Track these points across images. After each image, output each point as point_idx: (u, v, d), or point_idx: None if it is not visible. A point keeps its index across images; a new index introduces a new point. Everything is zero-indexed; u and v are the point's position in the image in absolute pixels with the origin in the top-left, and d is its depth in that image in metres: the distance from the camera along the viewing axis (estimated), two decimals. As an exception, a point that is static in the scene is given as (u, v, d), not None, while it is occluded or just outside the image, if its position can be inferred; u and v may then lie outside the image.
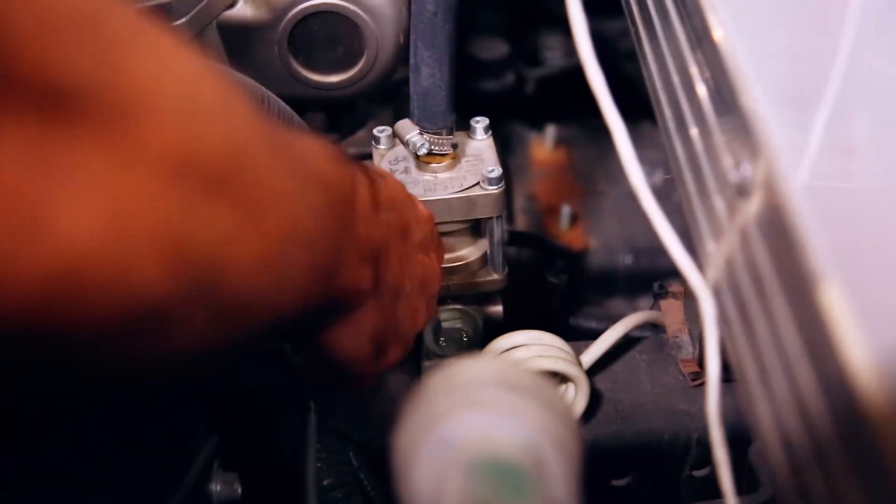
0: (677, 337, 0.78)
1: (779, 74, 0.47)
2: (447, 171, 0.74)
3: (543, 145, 1.15)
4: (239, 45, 0.80)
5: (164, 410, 0.54)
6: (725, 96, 0.46)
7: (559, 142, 1.15)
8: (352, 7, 0.79)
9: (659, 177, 1.02)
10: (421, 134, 0.73)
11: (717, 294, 0.47)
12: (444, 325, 0.79)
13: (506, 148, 1.14)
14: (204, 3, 0.75)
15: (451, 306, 0.79)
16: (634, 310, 0.96)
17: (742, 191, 0.43)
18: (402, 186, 0.59)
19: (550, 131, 1.15)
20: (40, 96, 0.28)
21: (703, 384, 0.74)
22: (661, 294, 0.80)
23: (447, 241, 0.77)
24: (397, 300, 0.54)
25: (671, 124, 0.55)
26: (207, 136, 0.33)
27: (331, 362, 0.52)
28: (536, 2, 1.26)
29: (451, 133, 0.74)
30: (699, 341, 0.74)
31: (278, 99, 0.66)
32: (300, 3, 0.79)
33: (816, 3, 0.53)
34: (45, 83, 0.28)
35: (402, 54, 0.79)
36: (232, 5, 0.79)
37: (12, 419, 0.32)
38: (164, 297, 0.31)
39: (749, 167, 0.43)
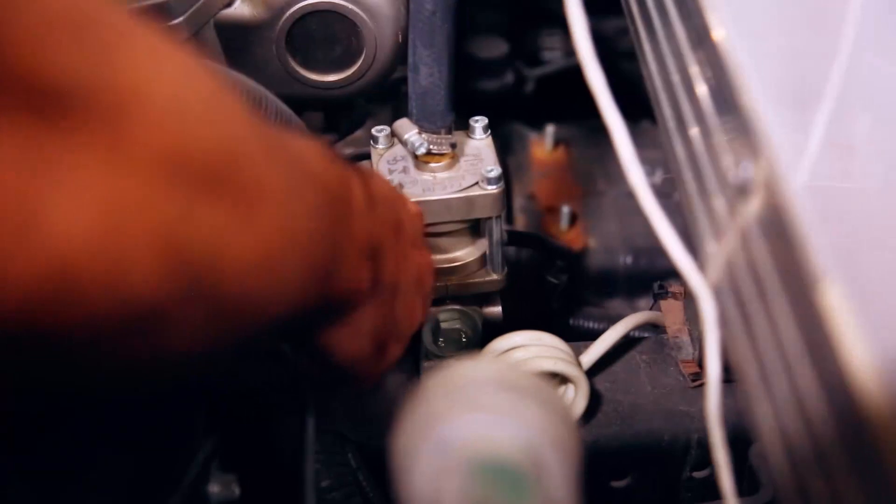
0: (677, 337, 0.78)
1: (779, 74, 0.47)
2: (446, 171, 0.74)
3: (543, 145, 1.15)
4: (236, 44, 0.80)
5: (163, 411, 0.53)
6: (725, 96, 0.46)
7: (559, 141, 1.15)
8: (350, 6, 0.79)
9: (659, 177, 1.02)
10: (420, 133, 0.73)
11: (717, 294, 0.47)
12: (443, 325, 0.79)
13: (505, 147, 1.14)
14: (201, 2, 0.75)
15: (450, 307, 0.79)
16: (634, 310, 0.96)
17: (742, 191, 0.43)
18: (390, 184, 0.59)
19: (550, 131, 1.15)
20: (36, 96, 0.28)
21: (703, 385, 0.73)
22: (661, 294, 0.80)
23: (446, 241, 0.77)
24: (395, 298, 0.54)
25: (671, 124, 0.55)
26: (202, 136, 0.33)
27: (331, 363, 0.52)
28: (536, 1, 1.26)
29: (449, 132, 0.73)
30: (699, 342, 0.74)
31: (276, 98, 0.65)
32: (298, 2, 0.79)
33: (817, 2, 0.53)
34: (40, 83, 0.28)
35: (401, 53, 0.79)
36: (229, 4, 0.79)
37: (12, 419, 0.32)
38: (161, 296, 0.31)
39: (749, 167, 0.43)
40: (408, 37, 0.70)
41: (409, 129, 0.73)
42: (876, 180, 0.45)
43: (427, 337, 0.77)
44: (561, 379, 0.71)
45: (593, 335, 0.78)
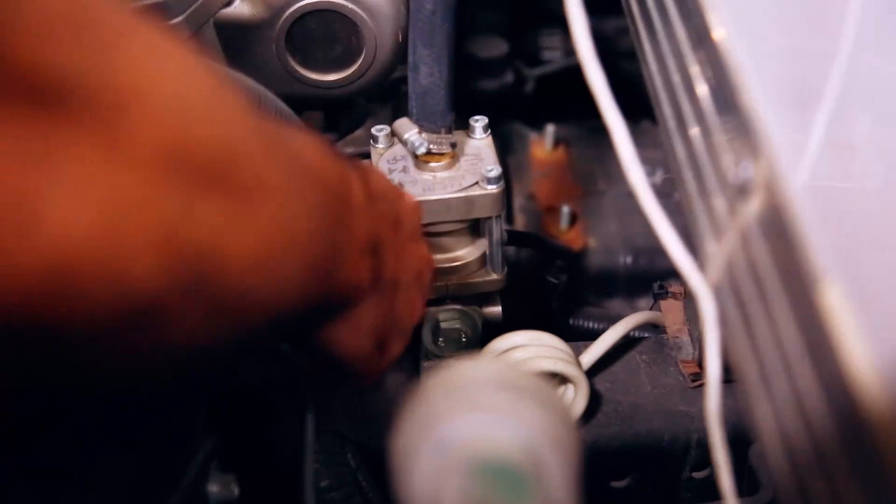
0: (677, 337, 0.78)
1: (779, 74, 0.47)
2: (446, 171, 0.74)
3: (543, 145, 1.15)
4: (236, 43, 0.80)
5: (163, 411, 0.53)
6: (726, 96, 0.46)
7: (559, 141, 1.15)
8: (350, 5, 0.79)
9: (659, 176, 1.02)
10: (420, 133, 0.73)
11: (717, 294, 0.47)
12: (443, 325, 0.79)
13: (505, 147, 1.14)
14: (200, 1, 0.75)
15: (449, 306, 0.79)
16: (634, 310, 0.96)
17: (742, 190, 0.43)
18: (387, 179, 0.59)
19: (550, 131, 1.15)
20: (37, 93, 0.28)
21: (703, 385, 0.73)
22: (661, 294, 0.80)
23: (446, 240, 0.77)
24: (395, 293, 0.54)
25: (671, 124, 0.55)
26: (200, 132, 0.33)
27: (332, 360, 0.52)
28: (536, 1, 1.26)
29: (449, 132, 0.73)
30: (699, 342, 0.74)
31: (276, 98, 0.65)
32: (298, 2, 0.79)
33: (817, 2, 0.53)
34: (41, 80, 0.28)
35: (401, 53, 0.79)
36: (229, 3, 0.79)
37: (12, 419, 0.32)
38: (161, 292, 0.31)
39: (749, 167, 0.43)
40: (408, 36, 0.70)
41: (409, 129, 0.73)
42: (876, 180, 0.45)
43: (427, 337, 0.76)
44: (561, 379, 0.71)
45: (593, 335, 0.77)
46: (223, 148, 0.35)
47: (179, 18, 0.73)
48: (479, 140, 0.77)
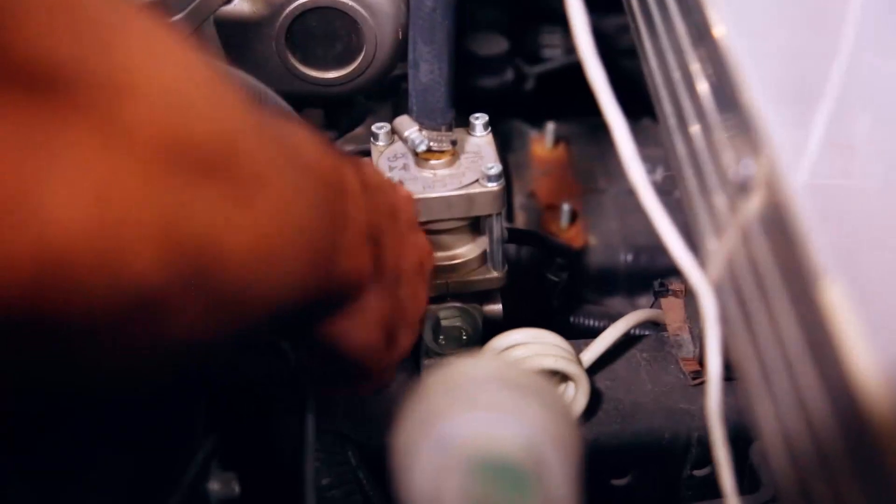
0: (678, 335, 0.78)
1: (780, 72, 0.47)
2: (446, 168, 0.74)
3: (543, 142, 1.15)
4: (236, 40, 0.80)
5: (163, 410, 0.53)
6: (726, 93, 0.46)
7: (559, 139, 1.15)
8: (350, 3, 0.79)
9: (659, 174, 1.02)
10: (420, 130, 0.72)
11: (718, 292, 0.47)
12: (444, 323, 0.79)
13: (505, 145, 1.14)
14: (201, -1, 0.75)
15: (450, 304, 0.79)
16: (635, 308, 0.96)
17: (743, 188, 0.43)
18: (380, 171, 0.59)
19: (550, 128, 1.15)
20: (33, 81, 0.27)
21: (703, 383, 0.73)
22: (662, 292, 0.80)
23: (446, 238, 0.77)
24: (399, 284, 0.54)
25: (672, 121, 0.55)
26: (197, 123, 0.33)
27: (341, 357, 0.51)
28: (536, -2, 1.26)
29: (450, 130, 0.73)
30: (700, 340, 0.74)
31: (276, 95, 0.65)
32: (298, -1, 0.79)
33: (817, 0, 0.53)
34: (38, 68, 0.28)
35: (401, 50, 0.79)
36: (229, 1, 0.79)
37: (12, 419, 0.32)
38: (160, 283, 0.31)
39: (750, 164, 0.43)
40: (408, 33, 0.70)
41: (409, 126, 0.73)
42: (876, 178, 0.45)
43: (427, 335, 0.76)
44: (561, 377, 0.71)
45: (594, 333, 0.78)
46: (221, 139, 0.35)
47: (180, 16, 0.73)
48: (480, 138, 0.77)
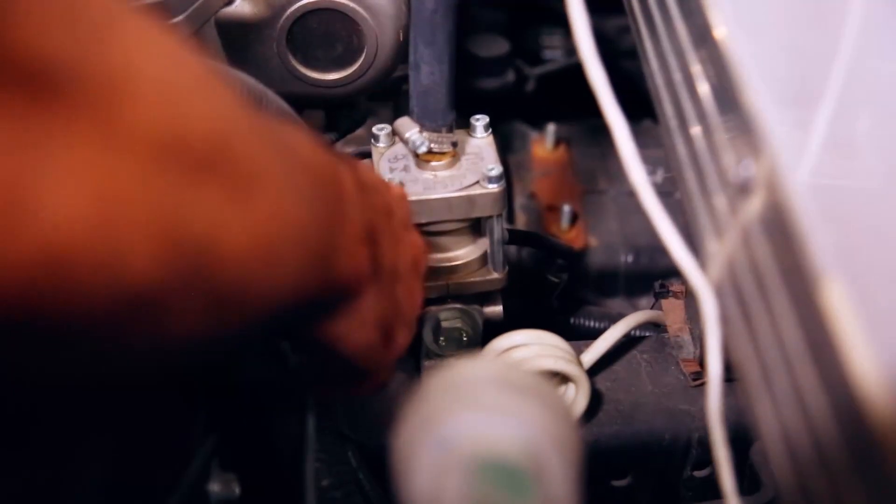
0: (678, 336, 0.78)
1: (780, 72, 0.47)
2: (447, 170, 0.74)
3: (544, 144, 1.15)
4: (237, 42, 0.80)
5: (163, 410, 0.53)
6: (727, 94, 0.46)
7: (560, 140, 1.15)
8: (351, 4, 0.79)
9: (660, 175, 1.02)
10: (420, 132, 0.72)
11: (718, 293, 0.47)
12: (444, 324, 0.79)
13: (506, 146, 1.14)
14: (201, 0, 0.75)
15: (450, 305, 0.79)
16: (635, 309, 0.96)
17: (743, 189, 0.43)
18: (374, 170, 0.58)
19: (551, 129, 1.15)
20: (28, 78, 0.27)
21: (704, 384, 0.73)
22: (662, 293, 0.80)
23: (447, 239, 0.77)
24: (395, 282, 0.54)
25: (672, 122, 0.55)
26: (192, 119, 0.33)
27: (340, 357, 0.52)
28: None
29: (450, 131, 0.73)
30: (700, 341, 0.74)
31: (277, 96, 0.65)
32: (299, 0, 0.79)
33: (818, 2, 0.53)
34: (33, 64, 0.28)
35: (402, 52, 0.79)
36: (230, 2, 0.79)
37: (12, 417, 0.32)
38: (158, 282, 0.31)
39: (751, 165, 0.43)
40: (409, 35, 0.70)
41: (410, 128, 0.73)
42: (877, 179, 0.44)
43: (428, 336, 0.77)
44: (562, 378, 0.71)
45: (594, 334, 0.77)
46: (217, 138, 0.34)
47: (180, 17, 0.73)
48: (480, 139, 0.77)
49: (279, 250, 0.38)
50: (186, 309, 0.33)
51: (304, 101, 0.83)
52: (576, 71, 0.56)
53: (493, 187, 0.73)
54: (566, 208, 1.06)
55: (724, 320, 0.47)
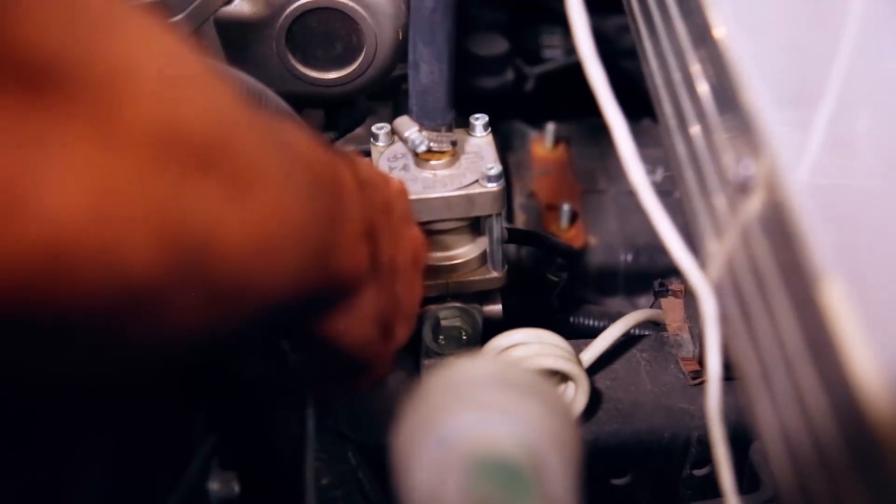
0: (678, 335, 0.78)
1: (780, 72, 0.47)
2: (446, 169, 0.74)
3: (543, 143, 1.15)
4: (236, 41, 0.80)
5: (163, 410, 0.53)
6: (727, 94, 0.46)
7: (559, 139, 1.15)
8: (350, 3, 0.79)
9: (660, 174, 1.02)
10: (420, 131, 0.72)
11: (717, 292, 0.47)
12: (444, 323, 0.79)
13: (505, 145, 1.14)
14: (201, -1, 0.75)
15: (450, 304, 0.79)
16: (635, 308, 0.96)
17: (743, 188, 0.43)
18: (373, 166, 0.58)
19: (550, 129, 1.15)
20: (27, 73, 0.27)
21: (703, 383, 0.73)
22: (662, 292, 0.80)
23: (446, 238, 0.77)
24: (395, 277, 0.54)
25: (672, 122, 0.55)
26: (190, 114, 0.33)
27: (340, 353, 0.52)
28: (536, -1, 1.26)
29: (450, 130, 0.73)
30: (700, 339, 0.74)
31: (276, 95, 0.65)
32: (298, 0, 0.79)
33: (817, 2, 0.53)
34: (32, 60, 0.28)
35: (401, 51, 0.79)
36: (229, 1, 0.79)
37: (11, 415, 0.32)
38: (156, 277, 0.31)
39: (750, 165, 0.43)
40: (408, 34, 0.70)
41: (409, 127, 0.73)
42: (877, 178, 0.45)
43: (427, 335, 0.77)
44: (561, 377, 0.71)
45: (594, 333, 0.77)
46: (215, 133, 0.35)
47: (180, 16, 0.73)
48: (480, 138, 0.77)
49: (278, 247, 0.38)
50: (185, 305, 0.33)
51: (304, 100, 0.83)
52: (575, 70, 0.56)
53: (493, 186, 0.73)
54: (566, 207, 1.06)
55: (724, 319, 0.47)
